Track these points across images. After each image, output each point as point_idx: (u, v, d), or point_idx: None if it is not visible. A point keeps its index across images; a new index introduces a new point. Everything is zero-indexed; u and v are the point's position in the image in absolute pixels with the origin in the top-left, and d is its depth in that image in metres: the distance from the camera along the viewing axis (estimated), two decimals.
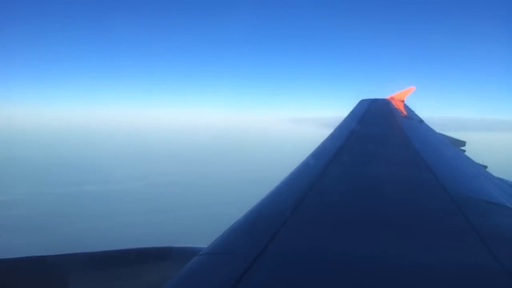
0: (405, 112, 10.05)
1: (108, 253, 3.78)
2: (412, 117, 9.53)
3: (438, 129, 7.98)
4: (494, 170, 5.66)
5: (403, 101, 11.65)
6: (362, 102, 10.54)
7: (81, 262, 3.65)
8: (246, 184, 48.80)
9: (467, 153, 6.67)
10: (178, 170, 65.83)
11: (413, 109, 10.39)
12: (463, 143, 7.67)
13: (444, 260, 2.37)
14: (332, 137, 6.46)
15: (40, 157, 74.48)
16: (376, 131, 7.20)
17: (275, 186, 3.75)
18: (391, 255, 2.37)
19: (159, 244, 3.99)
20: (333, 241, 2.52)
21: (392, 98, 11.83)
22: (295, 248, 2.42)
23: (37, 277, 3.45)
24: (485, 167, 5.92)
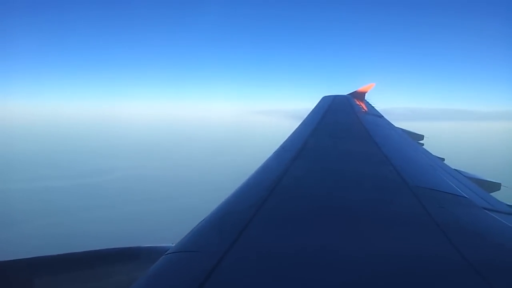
0: (365, 108, 10.27)
1: (73, 255, 3.66)
2: (372, 113, 9.76)
3: (399, 119, 8.20)
4: (451, 159, 5.88)
5: (364, 97, 11.91)
6: (325, 98, 10.74)
7: (44, 266, 3.52)
8: (215, 177, 48.45)
9: (425, 146, 6.87)
10: (145, 164, 64.62)
11: (374, 100, 10.68)
12: (421, 137, 7.91)
13: (404, 249, 2.45)
14: (295, 133, 6.56)
15: (6, 152, 71.28)
16: (338, 127, 7.33)
17: (242, 183, 3.76)
18: (354, 248, 2.42)
19: (127, 243, 3.92)
20: (299, 237, 2.54)
21: (353, 94, 12.09)
22: (262, 245, 2.44)
23: None
24: (442, 159, 6.12)
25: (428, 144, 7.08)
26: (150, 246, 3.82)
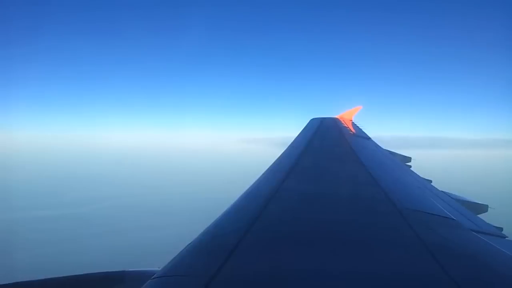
0: (353, 130, 10.37)
1: (58, 280, 3.60)
2: (360, 135, 9.84)
3: (386, 146, 8.27)
4: (438, 184, 5.90)
5: (351, 120, 12.06)
6: (313, 120, 10.83)
7: None
8: (200, 204, 48.11)
9: (412, 169, 6.90)
10: (130, 192, 63.88)
11: (362, 127, 10.77)
12: (409, 159, 7.96)
13: (393, 271, 2.43)
14: (284, 155, 6.56)
15: None
16: (326, 149, 7.38)
17: (229, 206, 3.74)
18: (343, 271, 2.40)
19: (113, 268, 3.83)
20: (287, 260, 2.52)
21: (341, 117, 12.22)
22: (249, 269, 2.41)
23: None
24: (430, 181, 6.14)
25: (416, 167, 7.13)
26: (136, 270, 3.75)
